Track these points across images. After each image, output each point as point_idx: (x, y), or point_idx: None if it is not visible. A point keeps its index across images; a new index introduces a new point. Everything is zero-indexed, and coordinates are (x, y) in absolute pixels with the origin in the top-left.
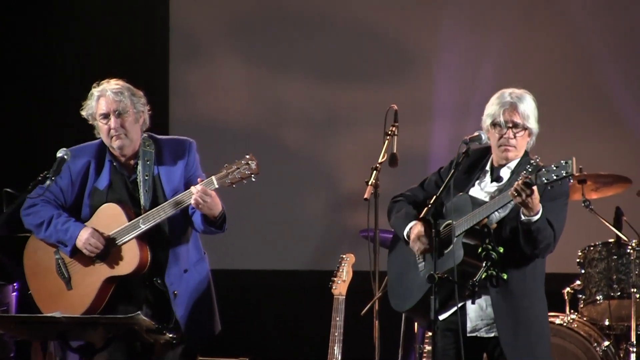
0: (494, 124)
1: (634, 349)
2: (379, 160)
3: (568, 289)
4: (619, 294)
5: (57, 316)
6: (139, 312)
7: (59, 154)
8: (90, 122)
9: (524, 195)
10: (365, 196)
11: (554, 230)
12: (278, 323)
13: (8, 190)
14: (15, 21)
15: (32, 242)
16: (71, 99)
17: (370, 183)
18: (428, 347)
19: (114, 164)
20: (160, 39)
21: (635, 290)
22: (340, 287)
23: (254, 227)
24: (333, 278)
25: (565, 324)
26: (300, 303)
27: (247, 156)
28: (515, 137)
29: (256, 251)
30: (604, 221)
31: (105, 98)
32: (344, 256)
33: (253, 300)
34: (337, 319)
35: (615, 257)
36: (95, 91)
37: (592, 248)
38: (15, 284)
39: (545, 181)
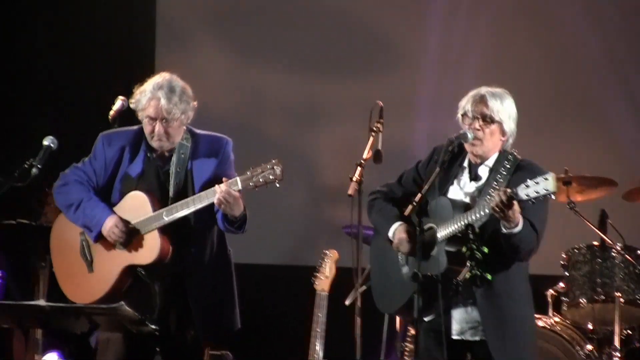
0: (464, 115)
1: (617, 354)
2: (364, 157)
3: (551, 290)
4: (602, 297)
5: (41, 304)
6: (122, 302)
7: (45, 142)
8: (135, 112)
9: (504, 210)
10: (350, 192)
11: (536, 231)
12: (258, 317)
13: None
14: None
15: (60, 221)
16: (54, 89)
17: (354, 179)
18: (410, 346)
19: (149, 154)
20: (146, 28)
21: (619, 294)
22: (322, 283)
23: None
24: (315, 274)
25: (548, 327)
26: (281, 298)
27: (274, 161)
28: (482, 129)
29: (236, 244)
30: (588, 224)
31: (156, 102)
32: (327, 252)
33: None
34: (319, 314)
35: (600, 260)
36: (148, 89)
37: (576, 250)
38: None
39: (526, 197)
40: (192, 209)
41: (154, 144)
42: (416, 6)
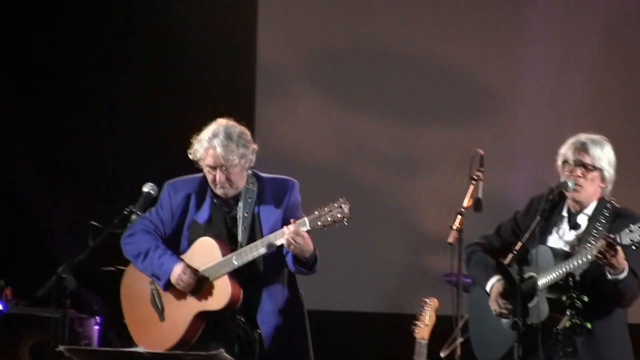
0: (564, 162)
1: None
2: (464, 205)
3: None
4: None
5: (141, 351)
6: (221, 349)
7: (145, 189)
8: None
9: (608, 257)
10: (450, 241)
11: (637, 277)
12: None
13: (94, 223)
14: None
15: (130, 271)
16: (154, 137)
17: (454, 227)
18: None
19: (215, 200)
20: (246, 77)
21: None
22: (422, 331)
23: (332, 267)
24: (415, 322)
25: None
26: (380, 345)
27: (341, 199)
28: (584, 177)
29: (334, 292)
30: None
31: (214, 151)
32: (427, 300)
33: (331, 342)
34: None
35: None
36: (204, 138)
37: None
38: (98, 318)
39: (630, 242)
40: (261, 252)
41: (218, 191)
42: (513, 54)
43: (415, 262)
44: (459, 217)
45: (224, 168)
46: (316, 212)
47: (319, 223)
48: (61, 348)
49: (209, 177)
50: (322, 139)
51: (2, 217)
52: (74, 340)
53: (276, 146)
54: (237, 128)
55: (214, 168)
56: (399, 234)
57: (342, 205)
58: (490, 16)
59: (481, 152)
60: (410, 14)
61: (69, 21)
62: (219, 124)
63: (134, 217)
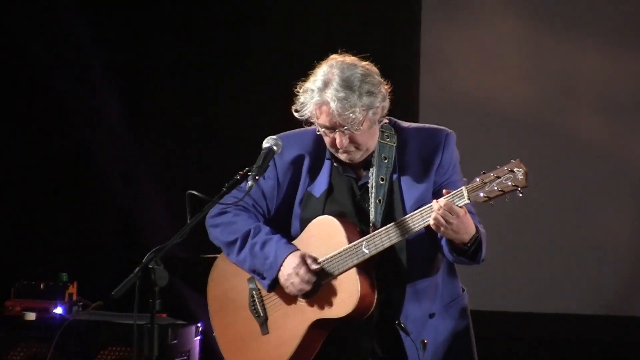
0: None
1: None
2: None
3: None
4: None
5: None
6: None
7: (266, 144)
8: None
9: None
10: None
11: None
12: None
13: (193, 192)
14: None
15: (221, 263)
16: (290, 76)
17: None
18: None
19: (335, 163)
20: None
21: None
22: None
23: (527, 254)
24: None
25: None
26: (601, 356)
27: (513, 161)
28: None
29: (528, 288)
30: None
31: (326, 107)
32: None
33: (526, 352)
34: None
35: None
36: (313, 88)
37: None
38: (199, 324)
39: None
40: (404, 236)
41: (341, 157)
42: None
43: None
44: None
45: (345, 128)
46: (478, 179)
47: (481, 194)
48: None
49: (327, 140)
50: (515, 75)
51: (69, 188)
52: (167, 356)
53: (450, 86)
54: (358, 68)
55: (331, 129)
56: (628, 209)
57: (515, 170)
58: None
59: None
60: None
61: None
62: (331, 66)
63: (250, 182)
